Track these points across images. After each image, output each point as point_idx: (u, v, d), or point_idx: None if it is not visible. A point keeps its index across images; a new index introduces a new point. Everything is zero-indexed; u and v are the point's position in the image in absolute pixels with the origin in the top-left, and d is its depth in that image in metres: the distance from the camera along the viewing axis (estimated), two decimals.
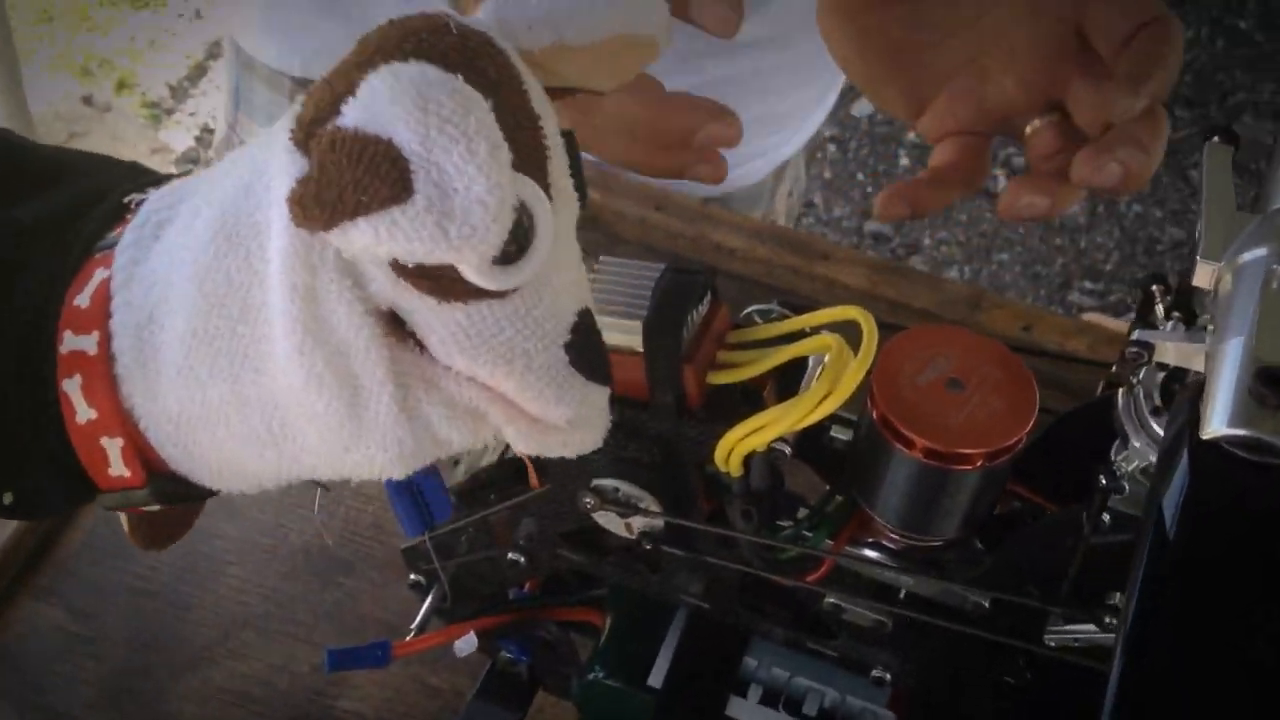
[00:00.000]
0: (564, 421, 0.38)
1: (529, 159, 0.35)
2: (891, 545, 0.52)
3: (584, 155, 0.62)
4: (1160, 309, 0.45)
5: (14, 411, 0.38)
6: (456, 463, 0.64)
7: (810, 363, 0.52)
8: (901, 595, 0.54)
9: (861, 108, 2.74)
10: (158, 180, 0.42)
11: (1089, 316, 2.29)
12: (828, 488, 0.54)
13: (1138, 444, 0.44)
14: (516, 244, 0.34)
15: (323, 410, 0.36)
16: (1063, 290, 2.45)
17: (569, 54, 0.37)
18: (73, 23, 2.86)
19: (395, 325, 0.36)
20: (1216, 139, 0.40)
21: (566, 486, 0.55)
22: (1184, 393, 0.40)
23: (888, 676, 0.55)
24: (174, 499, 0.40)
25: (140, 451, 0.39)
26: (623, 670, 0.59)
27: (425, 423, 0.37)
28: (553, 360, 0.37)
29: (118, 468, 0.39)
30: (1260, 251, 0.35)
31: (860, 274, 0.94)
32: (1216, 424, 0.32)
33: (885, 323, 0.48)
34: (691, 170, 0.58)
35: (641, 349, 0.48)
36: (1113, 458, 0.46)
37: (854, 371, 0.46)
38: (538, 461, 0.58)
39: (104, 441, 0.38)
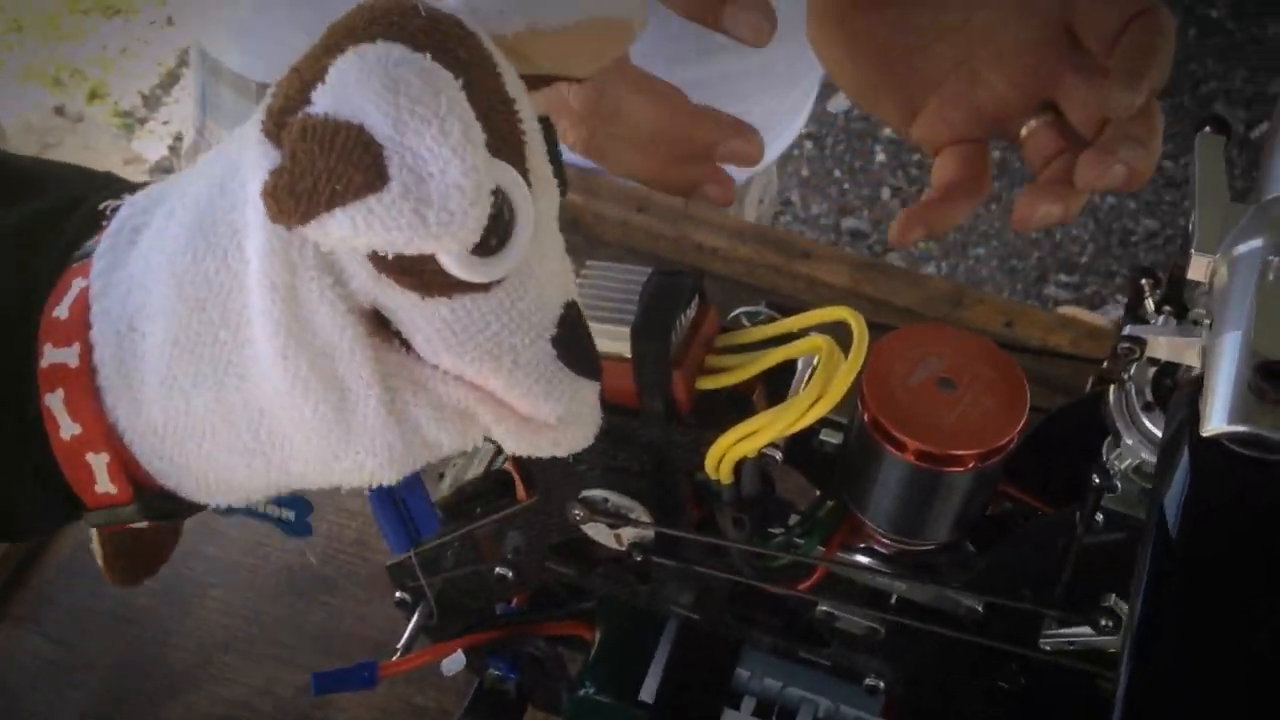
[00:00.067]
0: (554, 418, 0.37)
1: (505, 144, 0.34)
2: (883, 550, 0.51)
3: (589, 165, 0.61)
4: (1150, 303, 0.44)
5: None
6: (441, 476, 0.63)
7: (800, 365, 0.51)
8: (893, 601, 0.53)
9: (837, 104, 2.73)
10: (134, 189, 0.41)
11: (1066, 309, 2.30)
12: (818, 493, 0.53)
13: (1130, 441, 0.44)
14: (497, 233, 0.33)
15: (310, 415, 0.35)
16: (1039, 284, 2.45)
17: (542, 39, 0.36)
18: (43, 32, 2.84)
19: (379, 325, 0.36)
20: (1208, 129, 0.39)
21: (554, 498, 0.54)
22: (1182, 389, 0.39)
23: (881, 685, 0.55)
24: (162, 515, 0.39)
25: (126, 466, 0.38)
26: (613, 685, 0.59)
27: (414, 425, 0.36)
28: (540, 355, 0.36)
29: (104, 484, 0.38)
30: (1256, 243, 0.34)
31: (842, 272, 0.93)
32: (1216, 421, 0.31)
33: (868, 321, 0.47)
34: (702, 190, 0.58)
35: (629, 355, 0.47)
36: (1105, 456, 0.45)
37: (845, 373, 0.45)
38: (525, 473, 0.57)
39: (89, 458, 0.37)
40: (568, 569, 0.58)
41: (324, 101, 0.32)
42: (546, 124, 0.37)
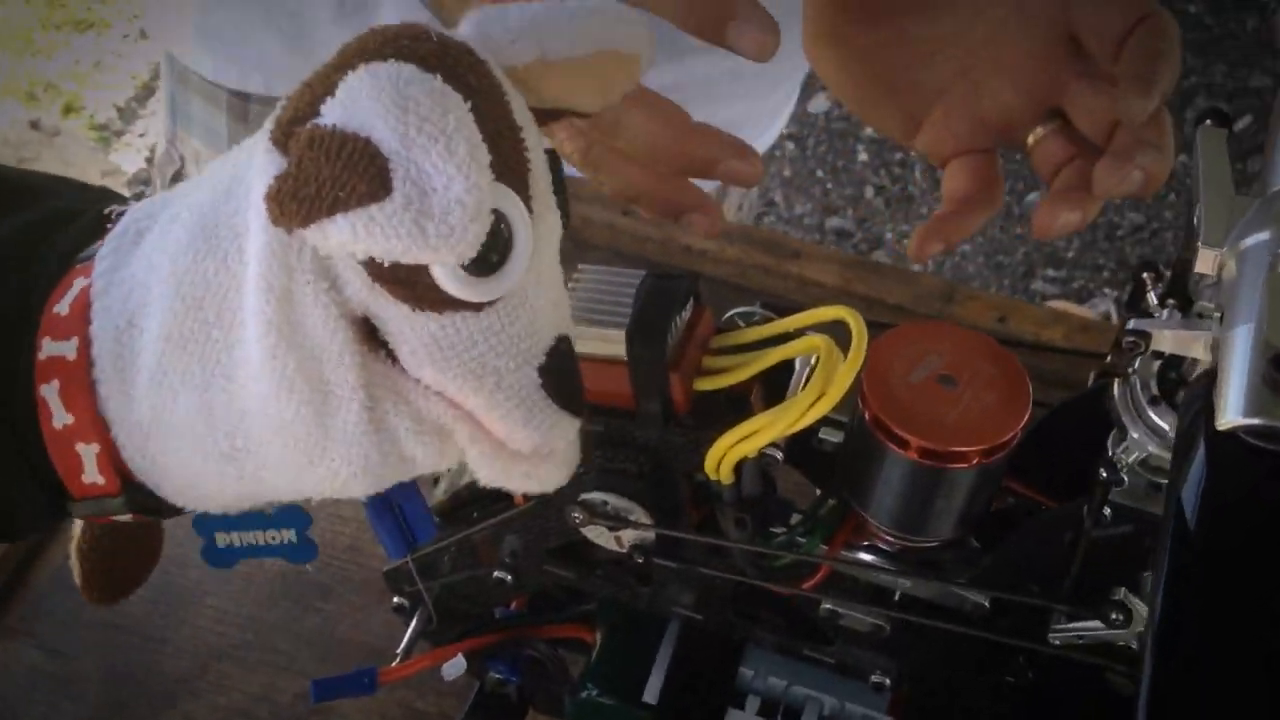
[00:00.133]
0: (530, 447, 0.37)
1: (509, 169, 0.34)
2: (886, 548, 0.51)
3: (584, 178, 0.61)
4: (1152, 296, 0.44)
5: None
6: (437, 481, 0.63)
7: (798, 365, 0.51)
8: (897, 598, 0.53)
9: (818, 104, 2.74)
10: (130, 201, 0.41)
11: (1053, 304, 2.30)
12: (818, 492, 0.53)
13: (1136, 435, 0.44)
14: (494, 254, 0.34)
15: (291, 418, 0.35)
16: (1026, 279, 2.46)
17: (552, 70, 0.37)
18: (16, 47, 2.82)
19: (368, 334, 0.36)
20: (1209, 122, 0.39)
21: (553, 502, 0.54)
22: (1195, 383, 0.39)
23: (887, 681, 0.55)
24: (147, 510, 0.39)
25: (114, 459, 0.38)
26: (616, 687, 0.58)
27: (392, 436, 0.36)
28: (524, 381, 0.36)
29: (92, 474, 0.38)
30: (1263, 235, 0.34)
31: (832, 271, 0.93)
32: (1231, 414, 0.31)
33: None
34: (689, 217, 0.58)
35: (625, 357, 0.47)
36: (1111, 450, 0.45)
37: (846, 372, 0.45)
38: None
39: (79, 447, 0.38)
40: (567, 572, 0.58)
41: (333, 114, 0.33)
42: (552, 155, 0.38)
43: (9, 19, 2.88)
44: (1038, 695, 0.53)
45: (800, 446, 0.52)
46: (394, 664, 0.60)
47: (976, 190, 0.62)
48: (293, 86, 0.35)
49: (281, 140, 0.33)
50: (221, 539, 0.61)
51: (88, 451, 0.38)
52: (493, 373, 0.35)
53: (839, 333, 0.47)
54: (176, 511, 0.40)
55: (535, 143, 0.36)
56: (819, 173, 2.65)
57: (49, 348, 0.37)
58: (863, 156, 2.67)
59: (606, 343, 0.47)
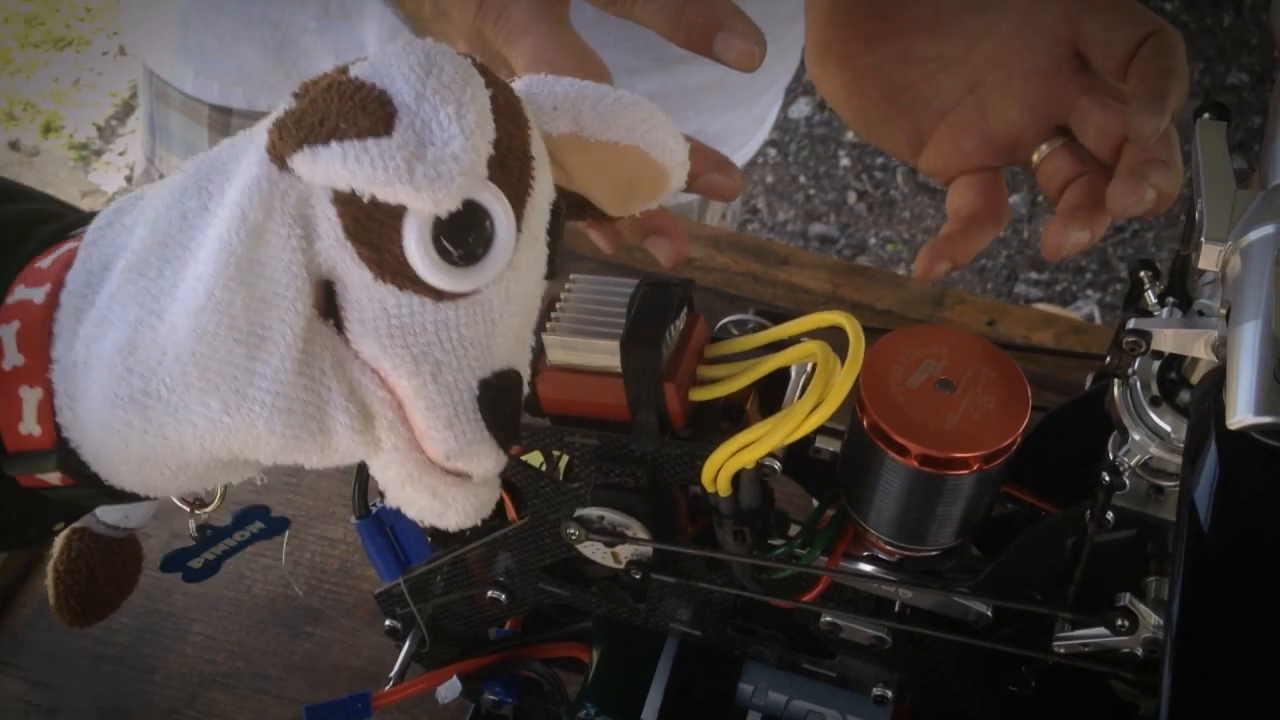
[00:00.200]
0: (443, 452, 0.36)
1: (510, 187, 0.35)
2: (886, 558, 0.50)
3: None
4: (1150, 295, 0.44)
5: None
6: None
7: (793, 373, 0.50)
8: (896, 609, 0.52)
9: (798, 110, 2.74)
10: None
11: (1038, 307, 2.30)
12: (815, 502, 0.52)
13: (1137, 437, 0.43)
14: (468, 245, 0.34)
15: (221, 357, 0.34)
16: (1009, 282, 2.46)
17: (584, 150, 0.38)
18: None
19: (321, 301, 0.35)
20: (1207, 116, 0.39)
21: (548, 518, 0.53)
22: (1203, 382, 0.38)
23: (889, 694, 0.54)
24: (77, 475, 0.37)
25: (54, 410, 0.36)
26: (614, 706, 0.57)
27: (319, 397, 0.35)
28: (462, 385, 0.36)
29: (29, 424, 0.37)
30: (1268, 229, 0.33)
31: (821, 277, 0.93)
32: (1242, 412, 0.30)
33: None
34: (651, 241, 0.58)
35: (619, 369, 0.46)
36: (1112, 453, 0.44)
37: (844, 378, 0.44)
38: (515, 494, 0.56)
39: (22, 391, 0.36)
40: (562, 589, 0.57)
41: (359, 69, 0.34)
42: (557, 210, 0.38)
43: None
44: (1041, 705, 0.52)
45: (796, 456, 0.52)
46: (388, 688, 0.60)
47: (983, 208, 0.62)
48: (275, 100, 0.35)
49: (301, 94, 0.34)
50: (197, 562, 0.60)
51: (30, 396, 0.36)
52: (431, 363, 0.35)
53: (833, 339, 0.46)
54: (102, 486, 0.38)
55: (543, 181, 0.37)
56: (801, 179, 2.65)
57: (19, 293, 0.37)
58: (845, 162, 2.67)
59: (600, 354, 0.47)
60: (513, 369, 0.37)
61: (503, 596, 0.58)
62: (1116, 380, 0.44)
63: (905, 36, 0.64)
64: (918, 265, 0.61)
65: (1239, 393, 0.31)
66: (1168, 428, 0.42)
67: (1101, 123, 0.57)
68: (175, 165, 1.04)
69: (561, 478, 0.53)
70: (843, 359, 0.45)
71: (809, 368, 0.50)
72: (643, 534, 0.50)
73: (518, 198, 0.35)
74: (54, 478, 0.37)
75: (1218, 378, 0.34)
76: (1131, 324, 0.40)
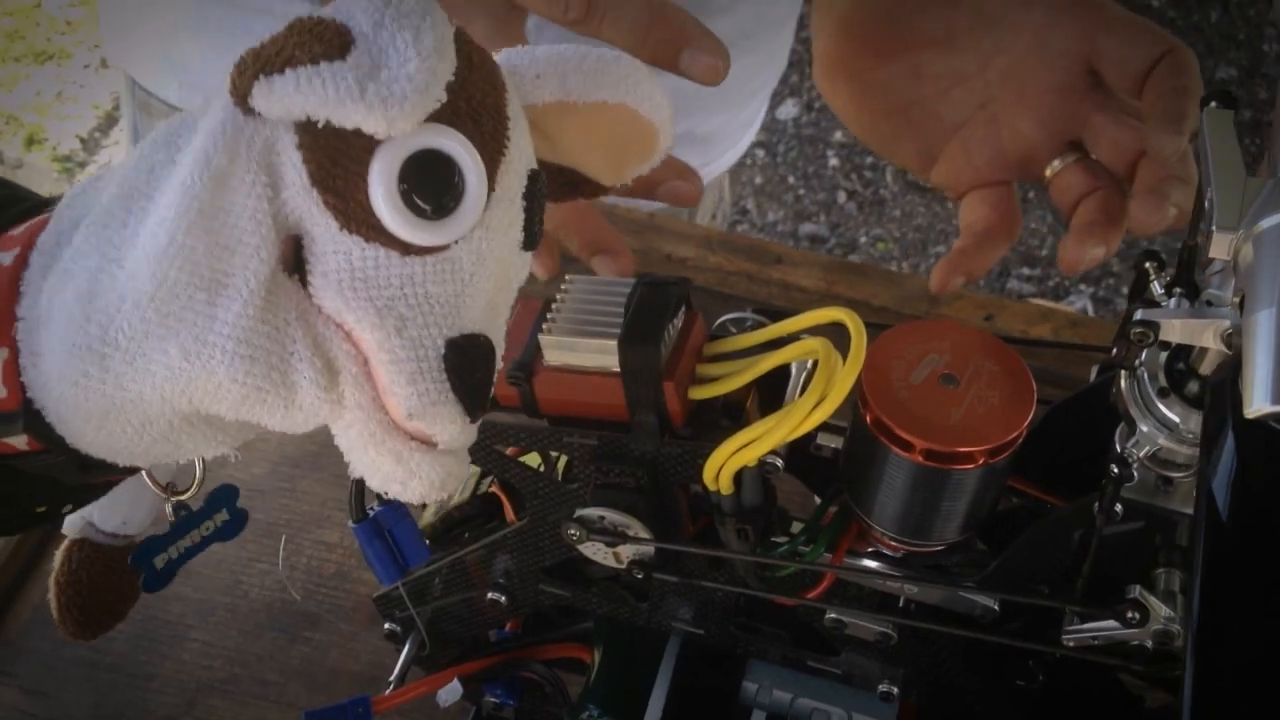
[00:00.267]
0: (405, 411, 0.35)
1: (483, 145, 0.34)
2: (891, 554, 0.50)
3: None
4: (1156, 286, 0.43)
5: None
6: (424, 504, 0.62)
7: (793, 370, 0.50)
8: (900, 604, 0.51)
9: (786, 111, 2.74)
10: None
11: (1033, 302, 2.30)
12: (818, 499, 0.51)
13: (1145, 428, 0.42)
14: (440, 199, 0.34)
15: (182, 303, 0.33)
16: (1001, 278, 2.46)
17: (572, 113, 0.38)
18: None
19: (286, 255, 0.35)
20: (1214, 104, 0.38)
21: (547, 519, 0.53)
22: (1219, 371, 0.38)
23: (895, 690, 0.53)
24: (44, 439, 0.36)
25: (19, 371, 0.36)
26: (617, 706, 0.57)
27: (281, 348, 0.34)
28: (427, 342, 0.35)
29: None
30: None
31: (815, 275, 0.92)
32: (1260, 401, 0.30)
33: None
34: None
35: (618, 369, 0.46)
36: (1120, 445, 0.44)
37: (846, 374, 0.43)
38: (513, 495, 0.56)
39: None
40: (563, 590, 0.57)
41: (322, 10, 0.33)
42: (535, 176, 0.37)
43: None
44: (1048, 699, 0.52)
45: (797, 453, 0.51)
46: (387, 692, 0.59)
47: (996, 222, 0.62)
48: None
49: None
50: (160, 560, 0.60)
51: None
52: (396, 316, 0.34)
53: (831, 335, 0.46)
54: (69, 452, 0.37)
55: (519, 143, 0.36)
56: (790, 179, 2.65)
57: None
58: (833, 162, 2.67)
59: (598, 354, 0.46)
60: (483, 335, 0.36)
61: (502, 598, 0.58)
62: (1123, 372, 0.44)
63: (916, 52, 0.64)
64: (933, 279, 0.62)
65: (1256, 381, 0.30)
66: (1176, 418, 0.41)
67: (1116, 138, 0.57)
68: None
69: (560, 478, 0.53)
70: (843, 355, 0.44)
71: (809, 364, 0.49)
72: (644, 534, 0.50)
73: (491, 155, 0.35)
74: (20, 442, 0.37)
75: (1234, 367, 0.33)
76: (1139, 315, 0.40)
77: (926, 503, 0.46)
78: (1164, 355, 0.43)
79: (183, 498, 0.56)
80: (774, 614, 0.55)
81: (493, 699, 0.64)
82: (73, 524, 0.66)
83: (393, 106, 0.32)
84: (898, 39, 0.64)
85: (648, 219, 0.96)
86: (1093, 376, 0.50)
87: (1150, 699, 0.51)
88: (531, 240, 0.38)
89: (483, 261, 0.36)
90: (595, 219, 0.60)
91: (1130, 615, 0.43)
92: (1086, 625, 0.45)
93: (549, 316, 0.47)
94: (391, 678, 0.60)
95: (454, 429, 0.36)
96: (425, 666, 0.62)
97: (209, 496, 0.61)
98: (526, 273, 0.39)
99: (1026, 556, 0.46)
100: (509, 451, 0.53)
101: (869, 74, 0.65)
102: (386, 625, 0.62)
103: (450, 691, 0.59)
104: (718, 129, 1.04)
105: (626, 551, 0.51)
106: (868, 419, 0.45)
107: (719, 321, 0.53)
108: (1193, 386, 0.41)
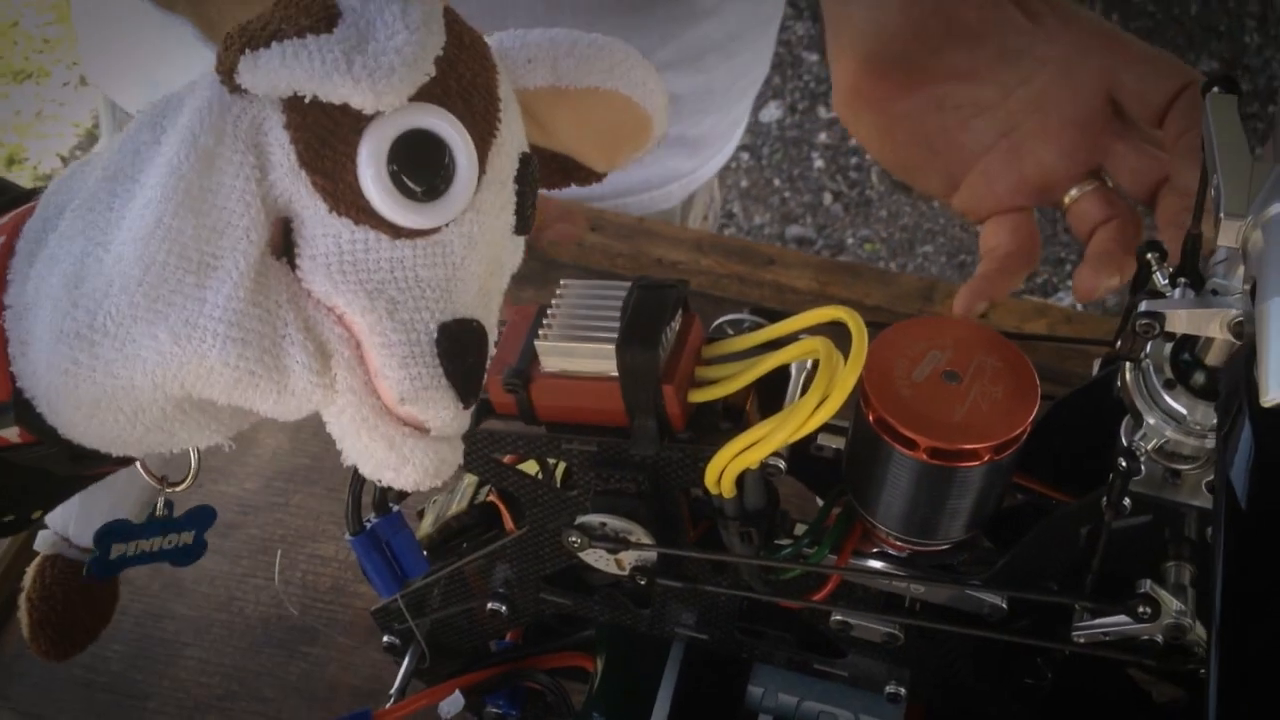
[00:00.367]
0: (398, 395, 0.35)
1: (474, 126, 0.34)
2: (896, 553, 0.49)
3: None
4: (1159, 276, 0.43)
5: None
6: (422, 514, 0.61)
7: (793, 371, 0.49)
8: (906, 604, 0.51)
9: (769, 113, 2.73)
10: None
11: (1026, 298, 2.30)
12: (819, 501, 0.51)
13: (1152, 421, 0.42)
14: (430, 181, 0.33)
15: (170, 289, 0.33)
16: None
17: (564, 99, 0.37)
18: None
19: (275, 239, 0.35)
20: (1217, 89, 0.38)
21: (547, 527, 0.52)
22: (1232, 360, 0.37)
23: (902, 691, 0.53)
24: (35, 429, 0.36)
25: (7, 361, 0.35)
26: (621, 713, 0.56)
27: (272, 328, 0.34)
28: (419, 326, 0.35)
29: None
30: None
31: (808, 276, 0.92)
32: (1275, 390, 0.30)
33: None
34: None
35: (616, 373, 0.45)
36: (1127, 438, 0.43)
37: (848, 373, 0.43)
38: (513, 504, 0.55)
39: None
40: (564, 599, 0.56)
41: None
42: (527, 159, 0.37)
43: None
44: (1058, 696, 0.51)
45: (798, 454, 0.51)
46: (388, 705, 0.58)
47: (1017, 247, 0.64)
48: None
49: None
50: (117, 549, 0.59)
51: None
52: (387, 300, 0.34)
53: (829, 335, 0.45)
54: (62, 443, 0.36)
55: (511, 126, 0.36)
56: (776, 182, 2.65)
57: None
58: (818, 163, 2.67)
59: (596, 359, 0.46)
60: (476, 320, 0.36)
61: (503, 608, 0.57)
62: (1128, 364, 0.43)
63: (939, 85, 0.65)
64: (957, 303, 0.64)
65: (1271, 369, 0.30)
66: (1183, 410, 0.41)
67: (1137, 166, 0.59)
68: None
69: (559, 485, 0.52)
70: (843, 354, 0.44)
71: (809, 365, 0.49)
72: (646, 539, 0.49)
73: (482, 137, 0.34)
74: (12, 433, 0.36)
75: (1247, 356, 0.33)
76: (1144, 306, 0.39)
77: (932, 501, 0.45)
78: (1169, 347, 0.42)
79: (178, 489, 0.55)
80: (778, 617, 0.55)
81: (495, 710, 0.63)
82: (46, 540, 0.65)
83: (380, 80, 0.31)
84: (920, 72, 0.65)
85: (637, 223, 0.96)
86: (1095, 370, 0.50)
87: (1157, 693, 0.51)
88: (524, 225, 0.38)
89: (474, 245, 0.35)
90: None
91: (1142, 610, 0.42)
92: (1097, 621, 0.45)
93: (544, 322, 0.47)
94: (392, 691, 0.59)
95: (447, 414, 0.36)
96: (426, 679, 0.62)
97: (188, 512, 0.60)
98: (519, 258, 0.39)
99: (1034, 553, 0.46)
100: (506, 459, 0.52)
101: (892, 106, 0.66)
102: (385, 638, 0.61)
103: (452, 703, 0.58)
104: (708, 130, 1.04)
105: (628, 558, 0.51)
106: (870, 418, 0.44)
107: (716, 323, 0.53)
108: (1199, 378, 0.41)
